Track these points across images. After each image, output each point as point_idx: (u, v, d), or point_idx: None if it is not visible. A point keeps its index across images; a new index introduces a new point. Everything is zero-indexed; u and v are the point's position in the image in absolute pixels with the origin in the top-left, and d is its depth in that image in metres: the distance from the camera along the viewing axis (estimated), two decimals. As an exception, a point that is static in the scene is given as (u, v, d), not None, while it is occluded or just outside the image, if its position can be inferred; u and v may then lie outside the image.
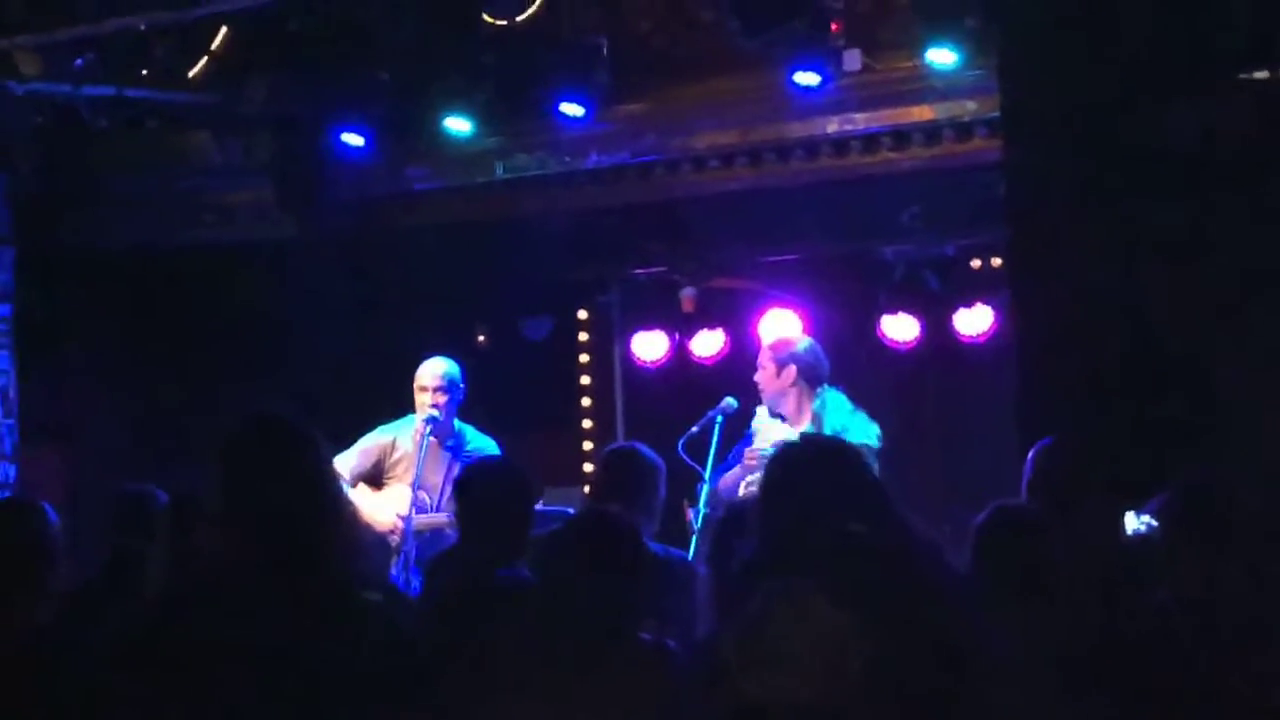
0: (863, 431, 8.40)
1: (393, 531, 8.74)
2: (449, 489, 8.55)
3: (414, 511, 8.69)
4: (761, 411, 8.93)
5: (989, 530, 5.25)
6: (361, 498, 8.72)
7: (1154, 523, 5.57)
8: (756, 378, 9.00)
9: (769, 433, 8.68)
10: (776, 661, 4.26)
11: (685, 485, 8.62)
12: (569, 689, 4.70)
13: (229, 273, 11.60)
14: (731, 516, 6.07)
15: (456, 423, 8.99)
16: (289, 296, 11.19)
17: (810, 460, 4.98)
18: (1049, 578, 5.07)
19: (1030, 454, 6.41)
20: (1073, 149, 7.05)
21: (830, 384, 8.94)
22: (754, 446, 8.63)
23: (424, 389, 8.93)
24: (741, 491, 8.50)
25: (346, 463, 8.75)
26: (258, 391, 10.14)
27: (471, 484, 6.31)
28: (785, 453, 5.17)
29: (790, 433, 8.34)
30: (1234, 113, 6.94)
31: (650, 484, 7.08)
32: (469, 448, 8.89)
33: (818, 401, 8.82)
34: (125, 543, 6.12)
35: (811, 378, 8.91)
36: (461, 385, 9.01)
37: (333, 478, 4.77)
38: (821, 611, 4.29)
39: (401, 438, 9.01)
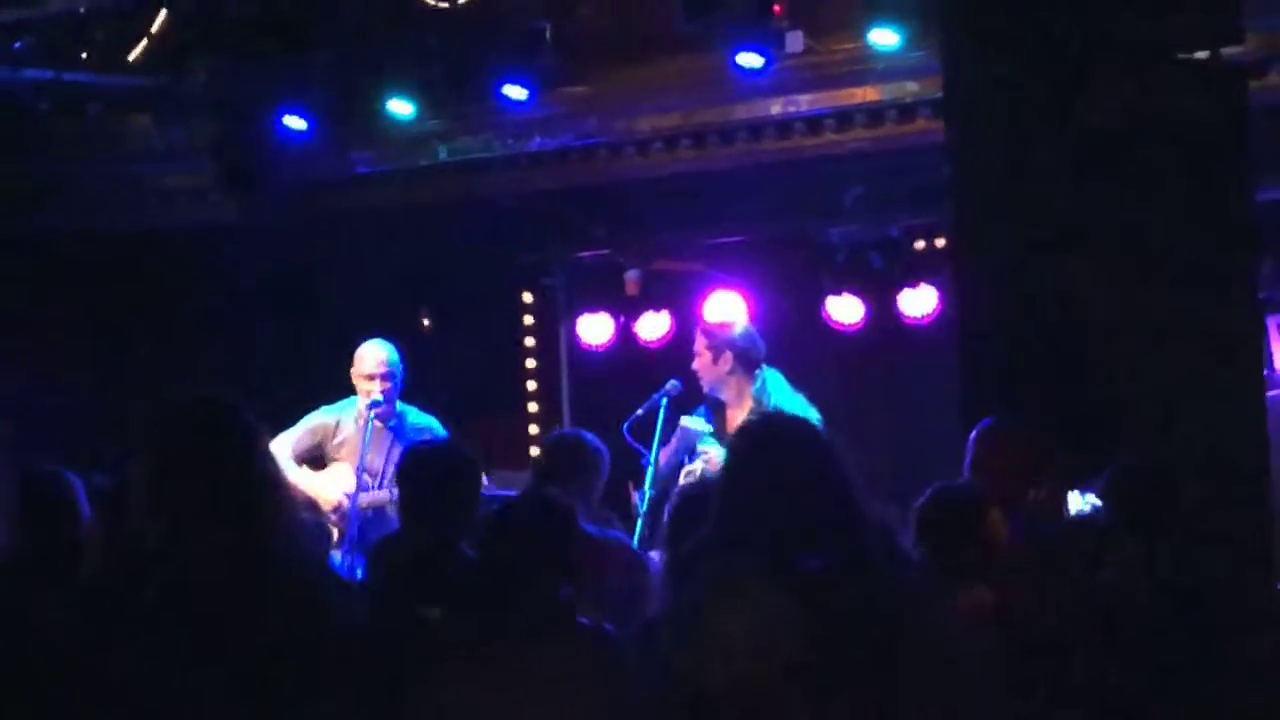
0: (803, 414, 8.42)
1: (335, 509, 8.73)
2: (390, 470, 8.57)
3: (355, 491, 8.69)
4: (692, 421, 8.96)
5: (930, 511, 5.25)
6: (304, 477, 8.71)
7: (1098, 503, 5.59)
8: (694, 365, 9.03)
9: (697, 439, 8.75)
10: (709, 643, 4.26)
11: (630, 468, 8.63)
12: (508, 672, 4.69)
13: (171, 257, 11.53)
14: (689, 499, 6.08)
15: (398, 404, 8.99)
16: (232, 281, 11.13)
17: (775, 439, 4.95)
18: (991, 557, 5.08)
19: (972, 434, 6.42)
20: (1015, 130, 7.05)
21: (768, 365, 8.98)
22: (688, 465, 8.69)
23: (368, 376, 8.92)
24: (682, 479, 8.53)
25: (289, 440, 8.75)
26: (200, 376, 10.10)
27: (416, 466, 6.29)
28: (751, 430, 5.14)
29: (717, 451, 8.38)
30: (1176, 95, 6.95)
31: (591, 468, 7.11)
32: (410, 426, 8.89)
33: (757, 384, 8.86)
34: (41, 526, 6.08)
35: (748, 361, 8.95)
36: (401, 367, 9.00)
37: (269, 460, 4.74)
38: (755, 593, 4.29)
39: (345, 419, 9.01)
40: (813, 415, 8.39)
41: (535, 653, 4.72)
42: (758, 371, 8.95)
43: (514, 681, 4.68)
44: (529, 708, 4.67)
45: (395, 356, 9.02)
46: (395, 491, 8.32)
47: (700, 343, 9.12)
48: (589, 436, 7.25)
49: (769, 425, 5.40)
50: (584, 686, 4.69)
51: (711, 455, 8.64)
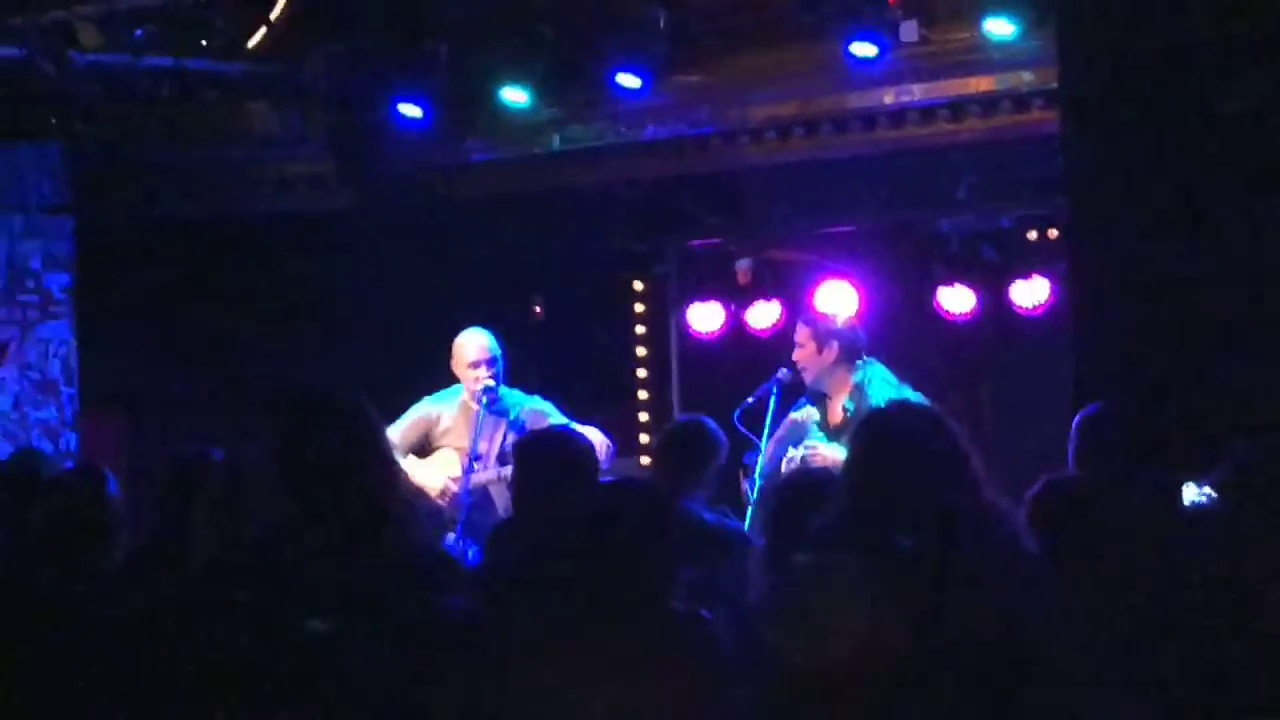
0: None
1: (443, 494, 8.81)
2: (497, 452, 8.68)
3: (466, 477, 8.76)
4: (802, 413, 8.94)
5: (1041, 503, 5.23)
6: (410, 465, 8.79)
7: (1213, 494, 5.55)
8: (796, 356, 8.98)
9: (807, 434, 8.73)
10: (810, 627, 4.28)
11: (741, 457, 8.65)
12: (597, 659, 4.70)
13: (287, 243, 11.63)
14: (797, 487, 6.08)
15: (501, 388, 9.06)
16: (346, 267, 11.24)
17: (904, 429, 4.93)
18: (1104, 549, 5.05)
19: (1075, 422, 6.39)
20: (1131, 121, 7.01)
21: (870, 357, 8.96)
22: (790, 453, 8.67)
23: (473, 364, 8.97)
24: (784, 468, 8.53)
25: (396, 433, 8.81)
26: (313, 362, 10.19)
27: (530, 454, 6.32)
28: (878, 420, 5.13)
29: (835, 450, 8.33)
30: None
31: (713, 458, 7.14)
32: (520, 408, 8.96)
33: (859, 374, 8.82)
34: (175, 506, 6.16)
35: (852, 352, 8.91)
36: (502, 351, 9.08)
37: (386, 445, 4.80)
38: (857, 580, 4.30)
39: (447, 409, 9.08)
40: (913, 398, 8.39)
41: (625, 638, 4.73)
42: (859, 362, 8.92)
43: (604, 667, 4.70)
44: (618, 693, 4.69)
45: (495, 342, 9.08)
46: (503, 470, 8.42)
47: (803, 334, 9.08)
48: (709, 423, 7.26)
49: (895, 413, 5.40)
50: (673, 671, 4.69)
51: (817, 447, 8.63)
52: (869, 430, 4.97)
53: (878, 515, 4.64)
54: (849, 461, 4.98)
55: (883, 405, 6.41)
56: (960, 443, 4.80)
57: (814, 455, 8.54)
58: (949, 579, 4.48)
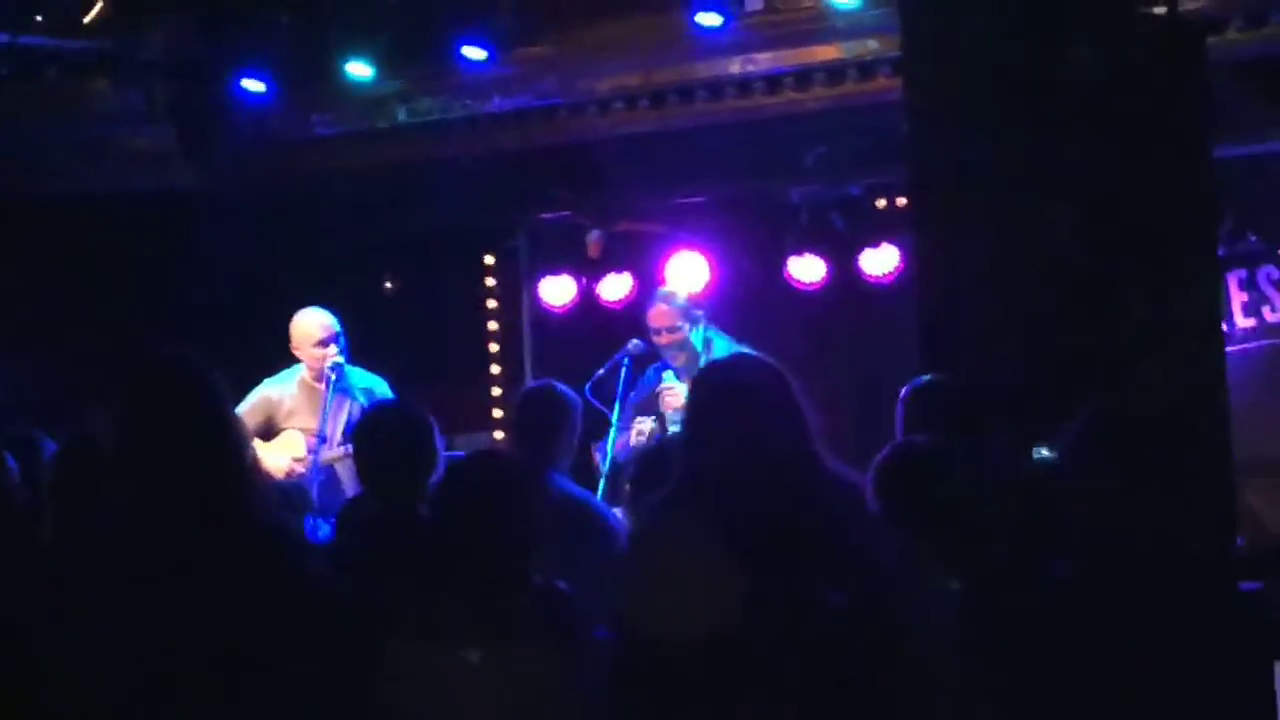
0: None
1: (289, 475, 8.75)
2: (344, 430, 8.64)
3: (315, 456, 8.70)
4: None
5: (888, 465, 5.25)
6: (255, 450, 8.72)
7: (1056, 457, 5.59)
8: (665, 340, 9.07)
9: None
10: (653, 596, 4.29)
11: (593, 428, 8.64)
12: (459, 634, 4.69)
13: (130, 222, 11.46)
14: (642, 457, 6.07)
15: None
16: (192, 245, 11.08)
17: (737, 386, 4.93)
18: (955, 510, 5.08)
19: (902, 395, 6.44)
20: (974, 86, 7.05)
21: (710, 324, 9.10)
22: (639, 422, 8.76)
23: (320, 342, 8.93)
24: (633, 440, 8.58)
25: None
26: (160, 341, 10.03)
27: (372, 429, 6.26)
28: (715, 372, 5.12)
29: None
30: (1135, 46, 6.95)
31: (568, 421, 7.07)
32: (356, 386, 8.92)
33: (697, 337, 8.95)
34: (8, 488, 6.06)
35: (692, 318, 9.06)
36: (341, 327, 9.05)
37: (234, 419, 4.74)
38: (699, 544, 4.32)
39: (288, 389, 9.04)
40: None
41: (484, 613, 4.72)
42: (699, 327, 9.08)
43: (465, 642, 4.69)
44: (482, 669, 4.67)
45: (334, 318, 9.05)
46: (349, 448, 8.39)
47: (671, 315, 9.19)
48: (560, 387, 7.19)
49: (731, 364, 5.41)
50: (534, 645, 4.69)
51: (673, 385, 8.74)
52: (705, 384, 4.97)
53: (715, 475, 4.64)
54: (686, 417, 4.98)
55: (717, 360, 6.40)
56: (795, 394, 4.81)
57: (669, 391, 8.65)
58: (783, 541, 4.49)
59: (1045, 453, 5.79)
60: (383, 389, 8.95)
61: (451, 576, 4.80)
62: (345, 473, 8.65)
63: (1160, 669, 4.73)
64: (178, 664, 4.42)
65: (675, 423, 8.64)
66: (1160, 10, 7.10)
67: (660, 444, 7.17)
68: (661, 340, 9.11)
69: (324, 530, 8.08)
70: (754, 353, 8.20)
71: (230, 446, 4.66)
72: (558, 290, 11.51)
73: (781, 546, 4.48)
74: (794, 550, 4.54)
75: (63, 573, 4.61)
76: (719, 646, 4.32)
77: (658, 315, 9.20)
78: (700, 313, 9.24)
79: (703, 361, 8.68)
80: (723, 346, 8.91)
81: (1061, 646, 4.79)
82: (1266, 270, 10.42)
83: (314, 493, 8.60)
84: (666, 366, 9.16)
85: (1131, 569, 4.85)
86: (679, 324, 9.11)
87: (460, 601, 4.75)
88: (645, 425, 8.69)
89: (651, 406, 9.01)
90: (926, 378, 6.51)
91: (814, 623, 4.46)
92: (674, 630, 4.30)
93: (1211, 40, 7.70)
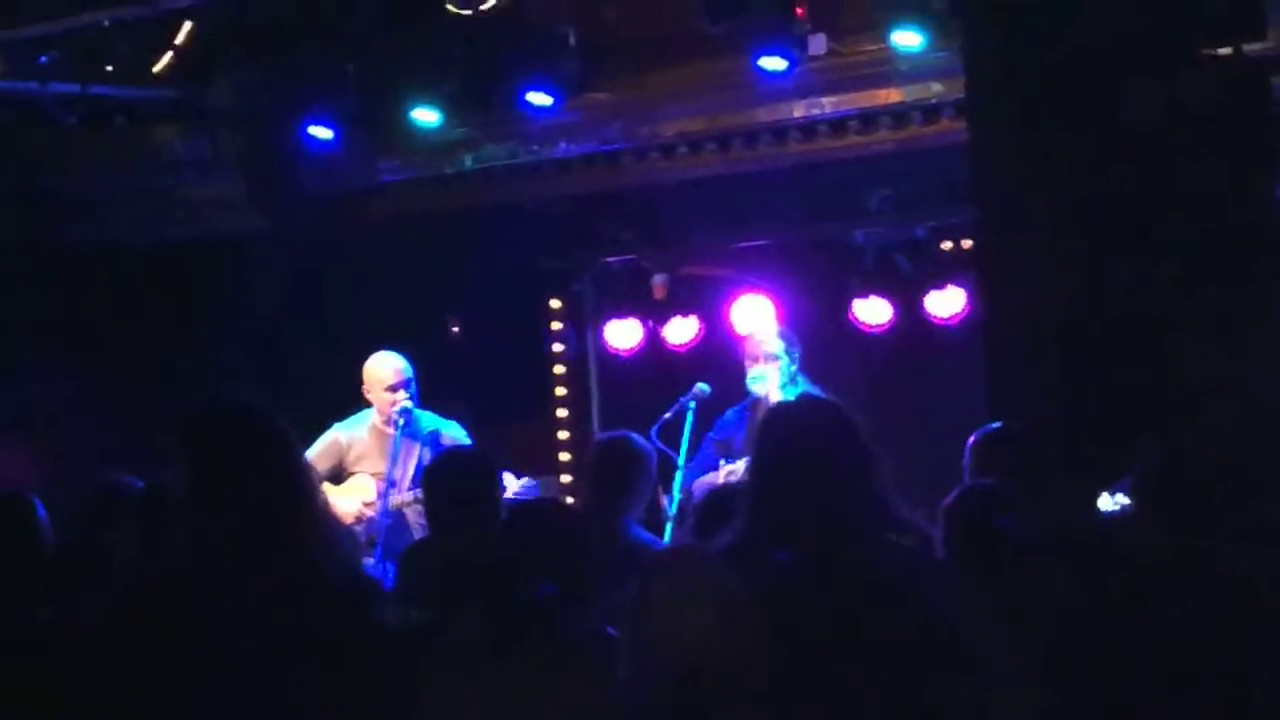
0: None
1: (358, 520, 8.78)
2: (414, 475, 8.65)
3: (383, 500, 8.73)
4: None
5: (956, 509, 5.24)
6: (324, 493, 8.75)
7: (1125, 500, 5.57)
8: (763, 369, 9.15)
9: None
10: (661, 633, 4.30)
11: (660, 472, 8.64)
12: (509, 677, 4.70)
13: (198, 268, 11.57)
14: (711, 501, 6.08)
15: (415, 410, 9.04)
16: (260, 291, 11.16)
17: (805, 426, 4.93)
18: (1020, 556, 5.07)
19: (970, 442, 6.43)
20: (1038, 128, 7.05)
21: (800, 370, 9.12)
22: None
23: (390, 387, 8.96)
24: (722, 478, 8.58)
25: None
26: (229, 386, 10.11)
27: (438, 474, 6.30)
28: (780, 418, 5.13)
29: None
30: (1198, 89, 6.94)
31: (643, 471, 7.15)
32: (429, 431, 8.95)
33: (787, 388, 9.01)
34: (97, 532, 6.11)
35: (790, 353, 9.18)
36: (414, 372, 9.08)
37: (304, 467, 4.77)
38: (711, 574, 4.33)
39: (358, 434, 9.07)
40: None
41: (535, 657, 4.73)
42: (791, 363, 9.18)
43: (512, 684, 4.70)
44: (526, 710, 4.69)
45: (408, 364, 9.08)
46: (419, 493, 8.43)
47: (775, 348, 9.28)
48: (637, 439, 7.27)
49: (793, 411, 5.42)
50: (577, 689, 4.70)
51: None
52: (770, 430, 4.97)
53: (778, 522, 4.64)
54: (753, 460, 4.99)
55: (784, 402, 6.43)
56: (861, 437, 4.81)
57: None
58: (838, 586, 4.49)
59: (1113, 499, 5.76)
60: (456, 432, 8.98)
61: (508, 621, 4.82)
62: (414, 517, 8.67)
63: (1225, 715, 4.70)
64: (246, 712, 4.44)
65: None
66: (1225, 51, 7.09)
67: (727, 486, 7.20)
68: (757, 366, 9.19)
69: (392, 575, 8.12)
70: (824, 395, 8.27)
71: (299, 491, 4.69)
72: (623, 333, 11.53)
73: (846, 591, 4.47)
74: (856, 594, 4.54)
75: (130, 620, 4.64)
76: (785, 692, 4.31)
77: (755, 343, 9.30)
78: (795, 350, 9.31)
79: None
80: (804, 389, 8.94)
81: (1126, 692, 4.76)
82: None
83: (382, 536, 8.62)
84: (745, 407, 9.21)
85: (1196, 615, 4.82)
86: (776, 352, 9.20)
87: (517, 646, 4.77)
88: (739, 465, 8.70)
89: (737, 447, 9.05)
90: (996, 425, 6.49)
91: (880, 668, 4.44)
92: (688, 668, 4.31)
93: (1277, 80, 7.67)
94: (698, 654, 4.33)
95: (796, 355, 9.34)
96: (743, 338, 9.62)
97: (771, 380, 9.19)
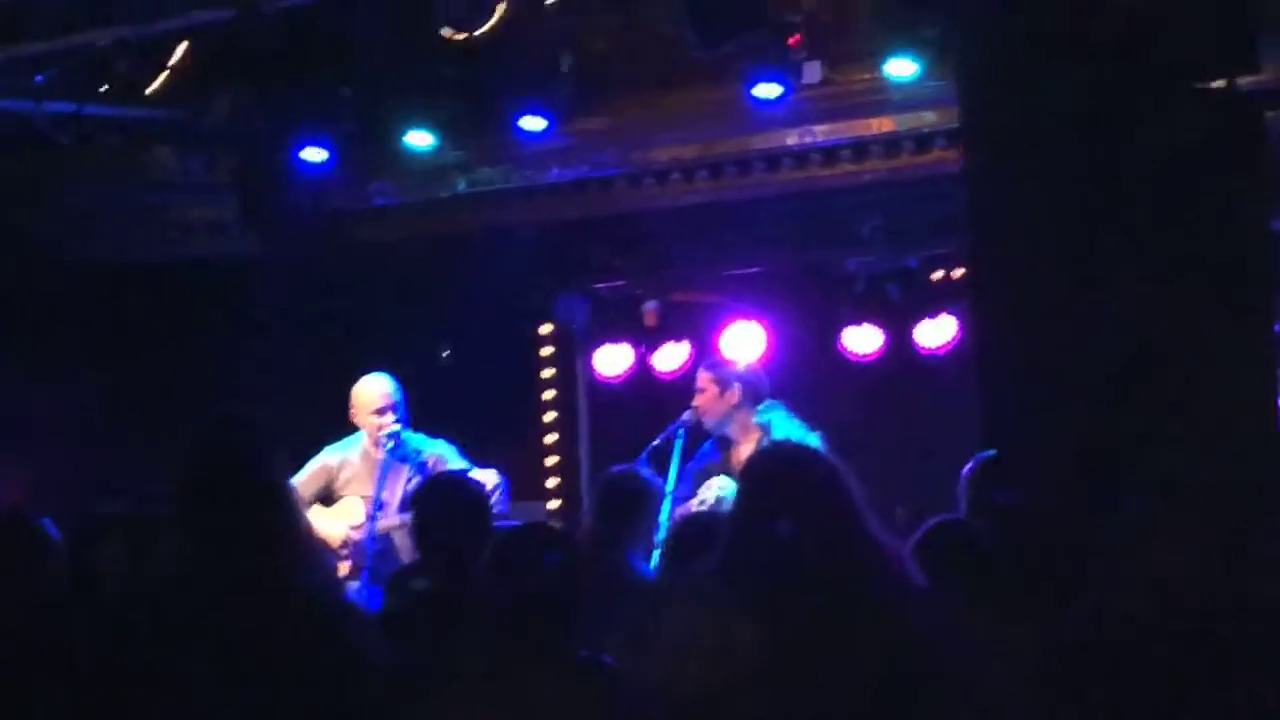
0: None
1: (345, 543, 8.77)
2: (402, 498, 8.64)
3: (370, 524, 8.72)
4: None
5: (928, 541, 5.26)
6: (313, 515, 8.74)
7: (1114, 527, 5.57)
8: (697, 401, 9.05)
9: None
10: (664, 653, 4.30)
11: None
12: (503, 704, 4.69)
13: (191, 289, 11.56)
14: (689, 524, 6.09)
15: (404, 432, 9.04)
16: (251, 312, 11.16)
17: (784, 471, 4.95)
18: (1005, 582, 5.08)
19: (965, 471, 6.44)
20: (1032, 159, 7.06)
21: (773, 400, 9.04)
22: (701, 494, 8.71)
23: (378, 410, 8.96)
24: (695, 507, 8.56)
25: (298, 484, 8.76)
26: (219, 407, 10.09)
27: (427, 500, 6.31)
28: (760, 465, 5.15)
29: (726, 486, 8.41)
30: (1193, 121, 6.96)
31: (649, 506, 7.20)
32: (422, 453, 8.94)
33: (762, 418, 8.90)
34: (84, 552, 6.10)
35: (754, 396, 9.01)
36: (402, 395, 9.08)
37: (287, 489, 4.77)
38: (708, 599, 4.33)
39: (349, 456, 9.06)
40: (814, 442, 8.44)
41: (530, 685, 4.72)
42: (762, 406, 9.02)
43: (508, 713, 4.69)
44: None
45: (396, 386, 9.08)
46: (406, 516, 8.42)
47: (704, 378, 9.18)
48: (645, 473, 7.34)
49: (777, 454, 5.42)
50: (578, 718, 4.69)
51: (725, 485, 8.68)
52: (751, 476, 5.00)
53: (761, 561, 4.65)
54: (735, 507, 5.00)
55: (765, 449, 6.44)
56: (844, 483, 4.82)
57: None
58: (820, 619, 4.49)
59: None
60: (447, 453, 8.97)
61: (495, 646, 4.81)
62: (402, 541, 8.66)
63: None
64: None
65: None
66: (1219, 84, 7.10)
67: (699, 516, 7.23)
68: (696, 403, 9.12)
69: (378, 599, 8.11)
70: (802, 439, 8.25)
71: (281, 514, 4.69)
72: (614, 360, 11.53)
73: (824, 635, 4.48)
74: (837, 639, 4.54)
75: (112, 637, 4.64)
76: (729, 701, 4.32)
77: (698, 377, 9.25)
78: (740, 379, 9.18)
79: (764, 435, 8.71)
80: (783, 430, 8.87)
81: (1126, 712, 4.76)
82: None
83: (369, 560, 8.61)
84: (711, 446, 9.17)
85: (1198, 642, 4.82)
86: (707, 386, 9.12)
87: (503, 671, 4.76)
88: (710, 495, 8.67)
89: (713, 476, 9.01)
90: (991, 453, 6.51)
91: (873, 696, 4.44)
92: (686, 685, 4.31)
93: (1270, 115, 7.70)
94: (699, 685, 4.32)
95: (744, 387, 9.16)
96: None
97: (711, 413, 9.10)
